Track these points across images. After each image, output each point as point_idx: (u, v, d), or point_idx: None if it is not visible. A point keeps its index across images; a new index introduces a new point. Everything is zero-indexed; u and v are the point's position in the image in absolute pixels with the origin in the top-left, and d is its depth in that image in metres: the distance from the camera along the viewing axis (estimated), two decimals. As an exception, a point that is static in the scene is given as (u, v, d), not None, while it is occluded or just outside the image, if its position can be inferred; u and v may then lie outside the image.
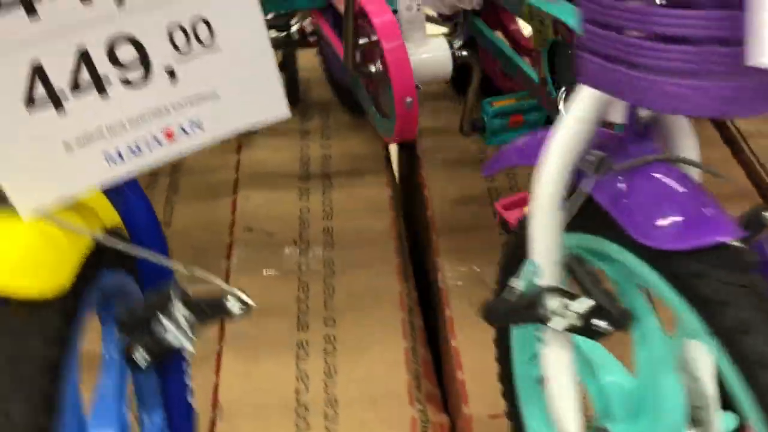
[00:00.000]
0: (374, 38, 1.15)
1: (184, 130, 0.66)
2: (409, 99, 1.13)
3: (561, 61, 1.21)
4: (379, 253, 1.43)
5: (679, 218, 0.61)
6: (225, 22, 0.63)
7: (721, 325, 0.57)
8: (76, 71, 0.59)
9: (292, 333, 1.30)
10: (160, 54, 0.62)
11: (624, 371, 0.80)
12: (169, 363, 0.77)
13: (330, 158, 1.66)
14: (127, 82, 0.61)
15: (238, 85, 0.67)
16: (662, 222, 0.61)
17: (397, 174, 1.71)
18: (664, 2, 0.43)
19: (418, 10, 1.21)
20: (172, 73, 0.63)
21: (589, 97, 0.64)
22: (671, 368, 0.70)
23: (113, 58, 0.60)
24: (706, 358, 0.73)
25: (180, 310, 0.69)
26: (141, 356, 0.69)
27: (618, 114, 0.65)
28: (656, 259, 0.63)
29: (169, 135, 0.66)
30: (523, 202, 1.19)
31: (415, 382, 1.23)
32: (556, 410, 0.76)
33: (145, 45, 0.60)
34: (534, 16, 1.21)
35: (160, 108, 0.64)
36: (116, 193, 0.70)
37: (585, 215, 0.68)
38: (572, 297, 0.67)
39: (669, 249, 0.60)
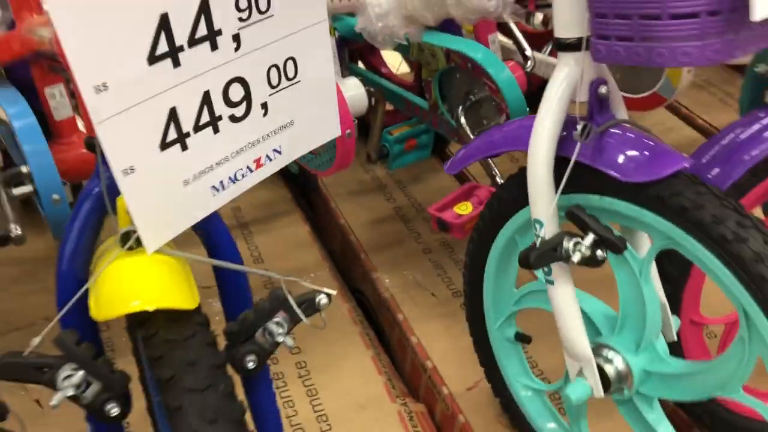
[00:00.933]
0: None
1: (268, 157, 0.78)
2: (348, 131, 1.29)
3: (454, 83, 1.45)
4: (318, 281, 1.55)
5: (649, 158, 0.85)
6: (307, 59, 0.76)
7: (697, 221, 0.81)
8: (200, 113, 0.69)
9: (264, 368, 1.37)
10: (260, 91, 0.73)
11: (605, 306, 1.03)
12: (259, 382, 0.85)
13: (240, 209, 1.75)
14: (233, 119, 0.72)
15: (310, 112, 0.80)
16: (638, 162, 0.85)
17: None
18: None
19: (335, 57, 1.39)
20: (265, 107, 0.75)
21: (565, 84, 0.86)
22: (648, 280, 0.93)
23: (227, 99, 0.71)
24: (655, 270, 0.97)
25: (281, 315, 0.79)
26: (252, 361, 0.78)
27: (583, 94, 0.88)
28: (637, 192, 0.86)
29: (258, 163, 0.77)
30: (451, 203, 1.40)
31: (389, 382, 1.36)
32: (566, 334, 0.95)
33: (250, 84, 0.72)
34: (424, 50, 1.44)
35: (256, 139, 0.75)
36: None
37: (567, 183, 0.89)
38: (579, 236, 0.87)
39: (649, 180, 0.83)
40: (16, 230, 1.11)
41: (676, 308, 1.08)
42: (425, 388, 1.38)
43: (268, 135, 0.76)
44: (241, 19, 0.67)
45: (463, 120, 1.44)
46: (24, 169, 1.15)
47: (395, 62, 1.86)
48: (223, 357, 0.71)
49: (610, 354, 0.99)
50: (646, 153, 0.86)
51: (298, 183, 1.87)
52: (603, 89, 0.88)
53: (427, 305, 1.48)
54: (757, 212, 1.21)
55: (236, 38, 0.67)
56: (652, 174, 0.84)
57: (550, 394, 1.26)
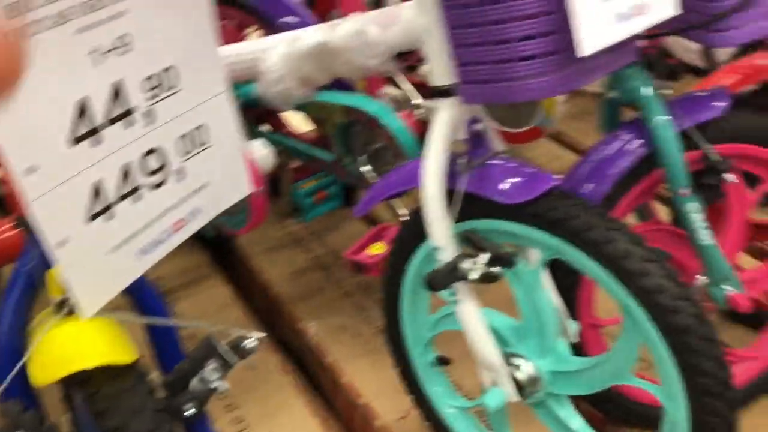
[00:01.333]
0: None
1: (188, 218, 0.85)
2: (259, 188, 1.37)
3: (354, 135, 1.56)
4: (246, 337, 1.60)
5: (523, 181, 0.97)
6: (214, 125, 0.85)
7: (571, 230, 0.93)
8: (121, 184, 0.76)
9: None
10: (175, 159, 0.81)
11: (509, 318, 1.13)
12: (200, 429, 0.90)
13: (162, 279, 1.79)
14: (153, 186, 0.80)
15: (222, 173, 0.88)
16: (515, 186, 0.97)
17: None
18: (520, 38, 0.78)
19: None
20: (181, 173, 0.83)
21: (445, 126, 0.98)
22: (540, 288, 1.05)
23: (145, 169, 0.78)
24: (548, 279, 1.09)
25: (214, 362, 0.85)
26: (190, 408, 0.84)
27: (461, 132, 1.00)
28: (518, 211, 0.98)
29: (179, 225, 0.85)
30: (365, 245, 1.49)
31: (325, 423, 1.42)
32: (477, 347, 1.05)
33: (166, 153, 0.80)
34: (321, 108, 1.54)
35: (175, 203, 0.83)
36: None
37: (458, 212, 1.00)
38: (474, 255, 0.98)
39: (526, 200, 0.95)
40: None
41: (573, 313, 1.20)
42: (360, 423, 1.45)
43: (186, 198, 0.84)
44: (153, 96, 0.75)
45: (366, 168, 1.54)
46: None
47: (298, 121, 1.96)
48: (165, 402, 0.77)
49: (519, 361, 1.09)
50: (521, 177, 0.99)
51: (216, 247, 1.92)
52: (478, 126, 1.00)
53: (353, 345, 1.56)
54: (631, 219, 1.36)
55: (149, 113, 0.75)
56: (528, 194, 0.97)
57: (476, 411, 1.35)
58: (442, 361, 1.27)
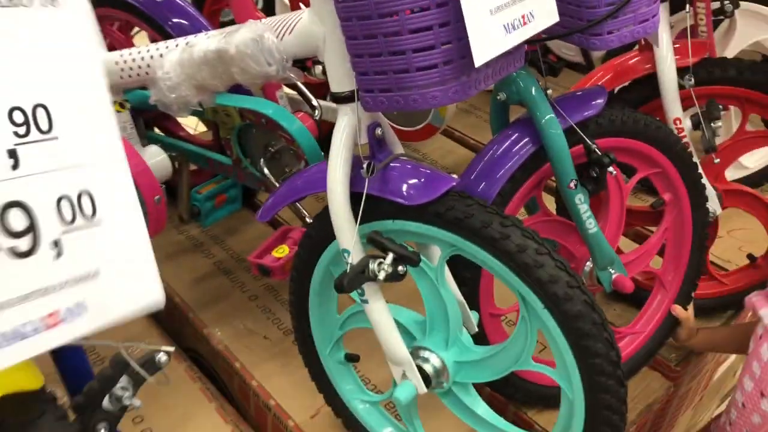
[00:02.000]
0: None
1: (69, 312, 0.65)
2: (157, 197, 1.34)
3: (252, 138, 1.55)
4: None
5: (423, 182, 1.01)
6: (107, 200, 0.69)
7: (469, 227, 0.98)
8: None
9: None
10: (49, 225, 0.65)
11: (414, 313, 1.17)
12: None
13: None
14: (16, 254, 0.62)
15: (119, 265, 0.70)
16: (415, 187, 1.00)
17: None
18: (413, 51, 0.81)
19: (132, 127, 1.44)
20: (58, 246, 0.65)
21: (346, 131, 1.00)
22: (444, 284, 1.09)
23: (5, 226, 0.62)
24: (449, 274, 1.14)
25: (125, 379, 0.84)
26: (103, 428, 0.82)
27: (363, 137, 1.03)
28: (419, 212, 1.02)
29: (53, 321, 0.64)
30: (269, 248, 1.49)
31: (237, 428, 1.42)
32: (386, 344, 1.09)
33: (35, 213, 0.64)
34: (218, 112, 1.53)
35: (48, 286, 0.64)
36: None
37: (363, 214, 1.02)
38: (381, 256, 1.01)
39: (426, 201, 0.99)
40: None
41: (474, 305, 1.26)
42: (272, 425, 1.45)
43: (64, 284, 0.66)
44: (17, 134, 0.63)
45: (266, 171, 1.54)
46: None
47: (192, 124, 1.93)
48: (76, 427, 0.75)
49: (426, 354, 1.14)
50: (422, 178, 1.02)
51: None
52: (378, 131, 1.03)
53: (262, 348, 1.56)
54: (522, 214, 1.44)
55: (12, 154, 0.63)
56: (428, 195, 1.01)
57: (386, 404, 1.39)
58: (351, 359, 1.29)
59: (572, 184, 1.21)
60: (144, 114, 1.69)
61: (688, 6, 1.59)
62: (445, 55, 0.82)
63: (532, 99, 1.19)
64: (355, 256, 1.03)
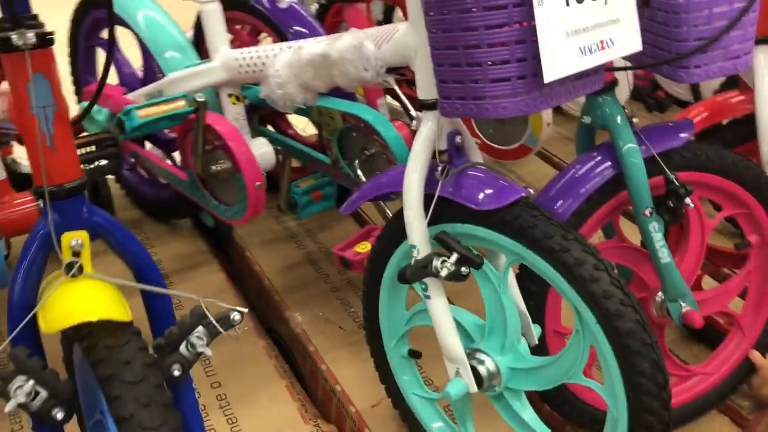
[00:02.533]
0: (218, 143, 1.49)
1: None
2: (258, 183, 1.48)
3: (351, 141, 1.66)
4: (236, 322, 1.70)
5: (494, 191, 1.07)
6: None
7: (532, 237, 1.03)
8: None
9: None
10: None
11: (476, 317, 1.23)
12: (184, 391, 1.00)
13: (162, 262, 1.89)
14: None
15: None
16: (486, 194, 1.07)
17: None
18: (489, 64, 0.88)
19: (244, 119, 1.58)
20: None
21: (428, 136, 1.08)
22: (506, 292, 1.15)
23: None
24: (515, 283, 1.19)
25: (201, 329, 0.95)
26: (177, 369, 0.94)
27: (443, 142, 1.10)
28: (488, 217, 1.08)
29: None
30: (353, 243, 1.59)
31: (302, 407, 1.51)
32: (443, 340, 1.15)
33: None
34: (323, 113, 1.65)
35: None
36: (122, 246, 0.95)
37: (434, 214, 1.10)
38: (446, 255, 1.08)
39: (495, 208, 1.05)
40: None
41: (539, 319, 1.29)
42: (335, 409, 1.54)
43: None
44: None
45: (359, 172, 1.65)
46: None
47: (302, 125, 2.07)
48: (154, 357, 0.87)
49: (482, 356, 1.19)
50: (493, 187, 1.09)
51: (215, 236, 2.02)
52: (458, 139, 1.10)
53: (336, 337, 1.66)
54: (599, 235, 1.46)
55: None
56: (497, 203, 1.07)
57: (445, 406, 1.44)
58: (414, 354, 1.36)
59: (647, 212, 1.23)
60: (258, 110, 1.84)
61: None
62: (519, 70, 0.89)
63: (616, 126, 1.23)
64: (422, 252, 1.11)
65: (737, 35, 1.12)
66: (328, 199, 1.87)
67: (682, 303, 1.33)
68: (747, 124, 1.48)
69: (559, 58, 0.86)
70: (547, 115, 1.82)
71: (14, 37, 0.81)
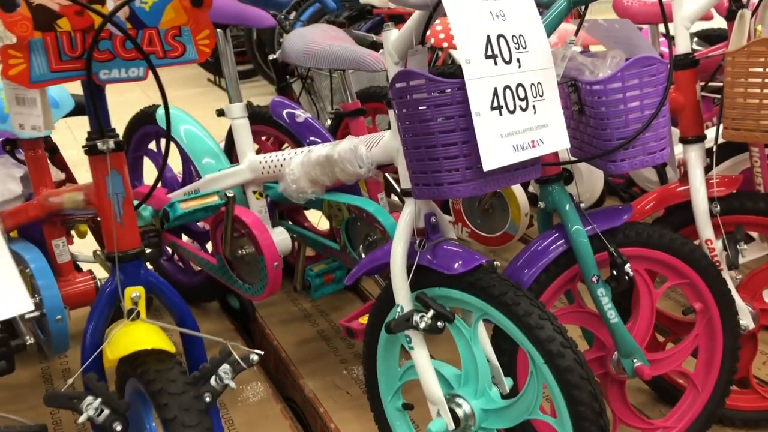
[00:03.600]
0: (244, 231, 1.80)
1: None
2: (276, 263, 1.77)
3: (356, 229, 1.96)
4: (255, 389, 1.95)
5: (461, 259, 1.35)
6: None
7: (491, 295, 1.30)
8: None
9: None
10: None
11: (455, 369, 1.47)
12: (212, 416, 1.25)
13: (192, 339, 2.16)
14: None
15: None
16: (455, 262, 1.34)
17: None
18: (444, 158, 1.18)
19: (266, 212, 1.90)
20: None
21: (409, 217, 1.37)
22: (476, 344, 1.39)
23: None
24: (485, 337, 1.44)
25: (226, 366, 1.22)
26: (208, 397, 1.19)
27: (420, 221, 1.39)
28: (457, 281, 1.35)
29: None
30: (357, 316, 1.85)
31: (313, 461, 1.73)
32: (425, 385, 1.39)
33: None
34: (332, 206, 1.96)
35: None
36: (168, 299, 1.23)
37: (415, 280, 1.37)
38: (424, 311, 1.34)
39: (461, 272, 1.33)
40: (29, 340, 1.51)
41: (512, 373, 1.52)
42: (342, 462, 1.76)
43: None
44: None
45: (363, 256, 1.93)
46: (35, 299, 1.57)
47: (315, 220, 2.39)
48: (192, 378, 1.13)
49: (460, 400, 1.42)
50: (461, 255, 1.36)
51: (239, 316, 2.30)
52: (433, 219, 1.39)
53: (343, 401, 1.89)
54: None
55: None
56: (464, 267, 1.34)
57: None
58: (407, 407, 1.59)
59: (594, 279, 1.49)
60: (279, 206, 2.16)
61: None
62: (466, 163, 1.19)
63: (564, 211, 1.50)
64: (405, 310, 1.38)
65: (651, 135, 1.42)
66: (339, 282, 2.15)
67: (634, 360, 1.56)
68: (689, 209, 1.75)
69: (495, 153, 1.16)
70: (525, 206, 2.11)
71: (99, 144, 1.14)
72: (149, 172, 2.27)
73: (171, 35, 1.12)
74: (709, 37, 3.16)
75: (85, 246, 2.41)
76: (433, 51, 3.23)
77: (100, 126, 1.14)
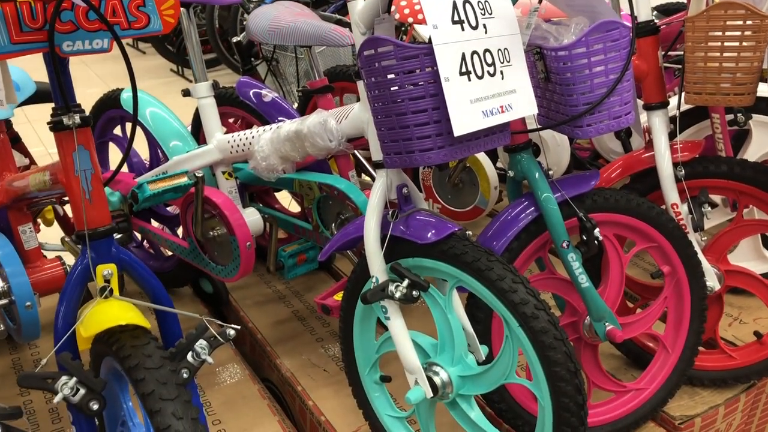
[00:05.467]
0: (215, 212, 1.78)
1: None
2: (248, 243, 1.76)
3: (328, 208, 1.95)
4: (232, 371, 1.94)
5: (433, 228, 1.35)
6: None
7: (465, 261, 1.31)
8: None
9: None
10: None
11: (431, 338, 1.48)
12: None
13: (166, 324, 2.14)
14: None
15: None
16: (427, 231, 1.35)
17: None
18: (414, 126, 1.19)
19: (236, 192, 1.89)
20: None
21: (381, 188, 1.37)
22: (451, 312, 1.41)
23: None
24: (459, 305, 1.45)
25: (203, 342, 1.21)
26: (185, 373, 1.18)
27: (392, 193, 1.40)
28: (430, 250, 1.36)
29: None
30: (332, 293, 1.85)
31: (293, 439, 1.74)
32: (402, 354, 1.40)
33: None
34: (303, 185, 1.95)
35: None
36: (141, 276, 1.22)
37: (389, 251, 1.38)
38: (399, 281, 1.35)
39: (434, 241, 1.33)
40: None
41: (486, 341, 1.54)
42: (322, 438, 1.76)
43: None
44: None
45: (336, 233, 1.93)
46: (3, 287, 1.54)
47: (285, 202, 2.38)
48: (169, 354, 1.12)
49: (437, 369, 1.43)
50: (433, 226, 1.37)
51: (213, 300, 2.29)
52: (405, 190, 1.40)
53: (320, 378, 1.89)
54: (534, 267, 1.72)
55: None
56: (436, 236, 1.35)
57: (410, 420, 1.66)
58: (384, 379, 1.60)
59: (564, 244, 1.51)
60: (248, 187, 2.15)
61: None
62: (437, 129, 1.20)
63: (534, 179, 1.52)
64: (380, 281, 1.38)
65: (616, 100, 1.44)
66: (312, 262, 2.15)
67: (606, 323, 1.59)
68: (654, 175, 1.78)
69: (465, 119, 1.17)
70: (494, 180, 2.13)
71: (65, 119, 1.12)
72: (115, 159, 2.25)
73: (135, 5, 1.11)
74: (667, 11, 3.20)
75: (51, 236, 2.38)
76: (397, 31, 3.23)
77: (65, 100, 1.12)
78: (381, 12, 1.25)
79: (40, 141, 4.27)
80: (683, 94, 1.70)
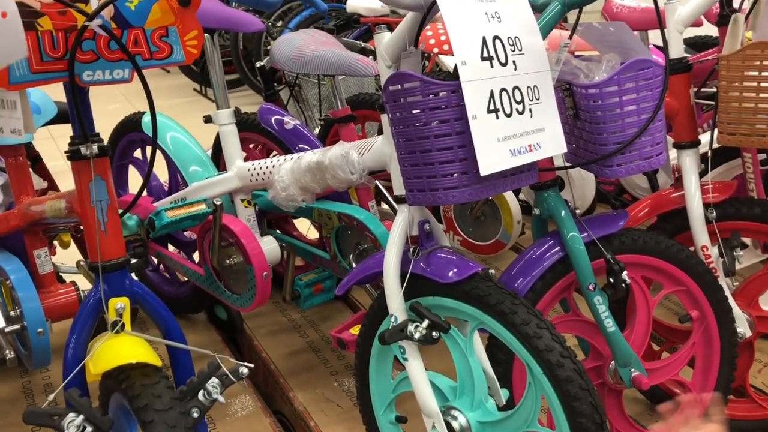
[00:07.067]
0: (232, 240, 1.75)
1: None
2: (265, 273, 1.72)
3: (346, 238, 1.92)
4: (244, 402, 1.90)
5: (455, 267, 1.31)
6: None
7: (487, 303, 1.26)
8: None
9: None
10: None
11: (450, 380, 1.43)
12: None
13: (179, 351, 2.10)
14: None
15: None
16: (449, 270, 1.31)
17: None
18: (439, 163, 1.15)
19: (254, 220, 1.86)
20: None
21: (402, 224, 1.34)
22: (472, 354, 1.36)
23: None
24: (481, 347, 1.40)
25: (215, 380, 1.17)
26: (196, 412, 1.15)
27: (414, 229, 1.35)
28: (451, 289, 1.31)
29: None
30: (348, 326, 1.81)
31: (303, 475, 1.68)
32: (420, 397, 1.35)
33: None
34: (322, 214, 1.92)
35: None
36: (154, 310, 1.18)
37: (409, 289, 1.33)
38: (418, 321, 1.30)
39: (456, 280, 1.29)
40: (9, 354, 1.45)
41: (507, 384, 1.49)
42: (334, 478, 1.71)
43: None
44: None
45: (354, 264, 1.89)
46: (16, 311, 1.52)
47: (305, 228, 2.35)
48: (179, 393, 1.08)
49: (455, 413, 1.38)
50: (455, 263, 1.33)
51: (227, 328, 2.25)
52: (427, 226, 1.36)
53: (334, 414, 1.84)
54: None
55: None
56: (459, 276, 1.30)
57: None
58: (400, 420, 1.55)
59: (591, 287, 1.46)
60: (267, 215, 2.12)
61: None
62: (462, 167, 1.16)
63: (560, 217, 1.48)
64: (399, 320, 1.34)
65: (648, 140, 1.39)
66: (329, 292, 2.11)
67: (631, 369, 1.53)
68: (684, 215, 1.73)
69: (492, 158, 1.13)
70: (517, 214, 2.08)
71: (82, 148, 1.10)
72: (134, 181, 2.23)
73: (157, 35, 1.09)
74: (696, 44, 3.15)
75: (69, 257, 2.36)
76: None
77: (84, 130, 1.10)
78: (408, 45, 1.22)
79: (61, 155, 4.28)
80: (715, 133, 1.65)
